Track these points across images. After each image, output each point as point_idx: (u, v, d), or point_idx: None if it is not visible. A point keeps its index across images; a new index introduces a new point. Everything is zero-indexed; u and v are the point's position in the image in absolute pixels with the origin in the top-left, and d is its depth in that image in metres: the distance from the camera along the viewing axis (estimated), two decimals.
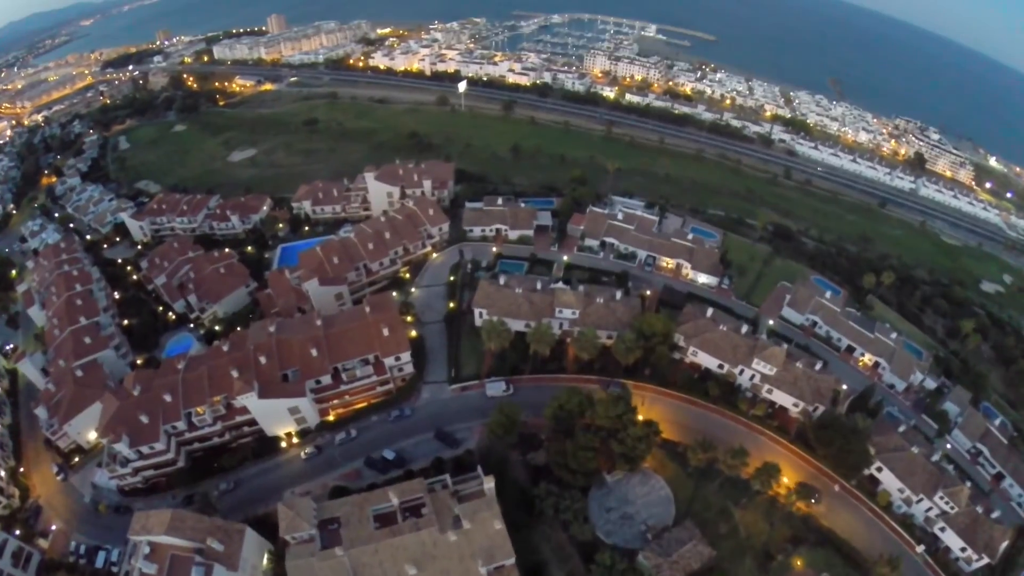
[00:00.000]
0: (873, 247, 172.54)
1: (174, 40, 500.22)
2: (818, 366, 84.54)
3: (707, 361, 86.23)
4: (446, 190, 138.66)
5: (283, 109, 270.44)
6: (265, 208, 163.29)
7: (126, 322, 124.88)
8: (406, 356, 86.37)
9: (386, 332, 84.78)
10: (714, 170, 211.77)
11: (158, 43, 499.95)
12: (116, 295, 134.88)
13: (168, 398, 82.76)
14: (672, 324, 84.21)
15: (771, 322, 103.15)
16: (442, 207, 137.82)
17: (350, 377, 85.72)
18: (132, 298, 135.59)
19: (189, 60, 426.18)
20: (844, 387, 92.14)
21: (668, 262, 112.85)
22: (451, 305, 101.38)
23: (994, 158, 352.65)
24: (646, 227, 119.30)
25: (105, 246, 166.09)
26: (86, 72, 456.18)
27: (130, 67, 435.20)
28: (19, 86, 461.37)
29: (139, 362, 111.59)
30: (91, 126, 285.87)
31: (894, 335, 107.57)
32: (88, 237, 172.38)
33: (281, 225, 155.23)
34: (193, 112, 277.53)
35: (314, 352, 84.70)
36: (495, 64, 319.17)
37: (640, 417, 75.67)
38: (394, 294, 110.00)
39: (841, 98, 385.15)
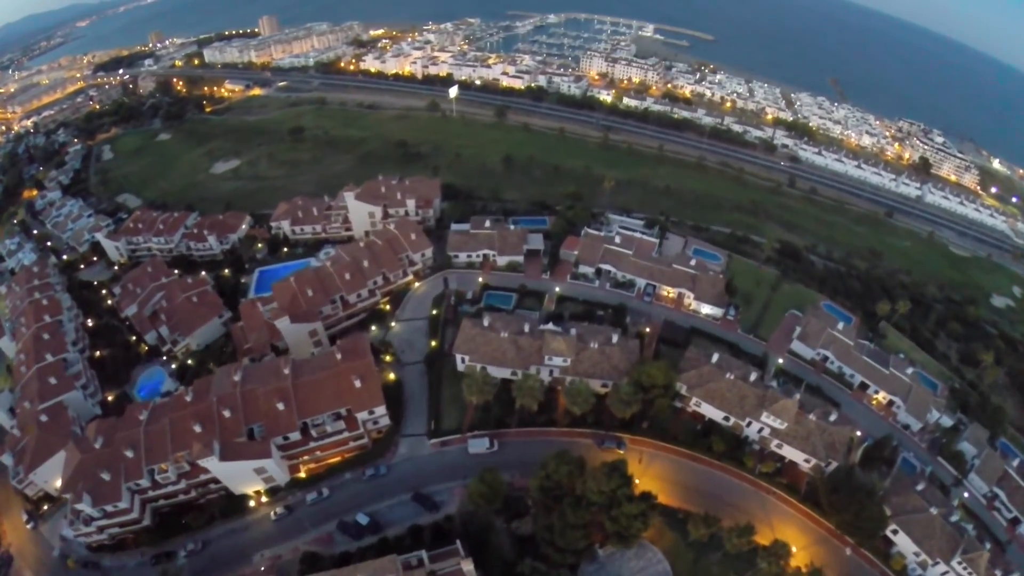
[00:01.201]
0: (882, 263, 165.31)
1: (166, 43, 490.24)
2: (832, 417, 77.26)
3: (712, 412, 78.90)
4: (431, 209, 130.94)
5: (269, 116, 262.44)
6: (244, 227, 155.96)
7: (98, 353, 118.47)
8: (381, 410, 79.08)
9: (358, 384, 77.44)
10: (716, 180, 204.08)
11: (150, 46, 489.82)
12: (89, 322, 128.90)
13: (130, 454, 76.87)
14: (674, 375, 76.77)
15: (780, 360, 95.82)
16: (427, 227, 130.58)
17: (320, 433, 78.54)
18: (105, 326, 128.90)
19: (180, 63, 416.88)
20: (858, 433, 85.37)
21: (669, 291, 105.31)
22: (433, 344, 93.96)
23: (997, 160, 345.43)
24: (645, 251, 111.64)
25: (82, 266, 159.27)
26: (77, 76, 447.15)
27: (120, 71, 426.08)
28: (11, 89, 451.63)
29: (109, 398, 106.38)
30: (75, 135, 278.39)
31: (910, 370, 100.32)
32: (65, 257, 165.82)
33: (260, 245, 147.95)
34: (178, 120, 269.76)
35: (281, 406, 77.44)
36: (488, 67, 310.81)
37: (636, 479, 68.70)
38: (373, 328, 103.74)
39: (842, 99, 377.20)
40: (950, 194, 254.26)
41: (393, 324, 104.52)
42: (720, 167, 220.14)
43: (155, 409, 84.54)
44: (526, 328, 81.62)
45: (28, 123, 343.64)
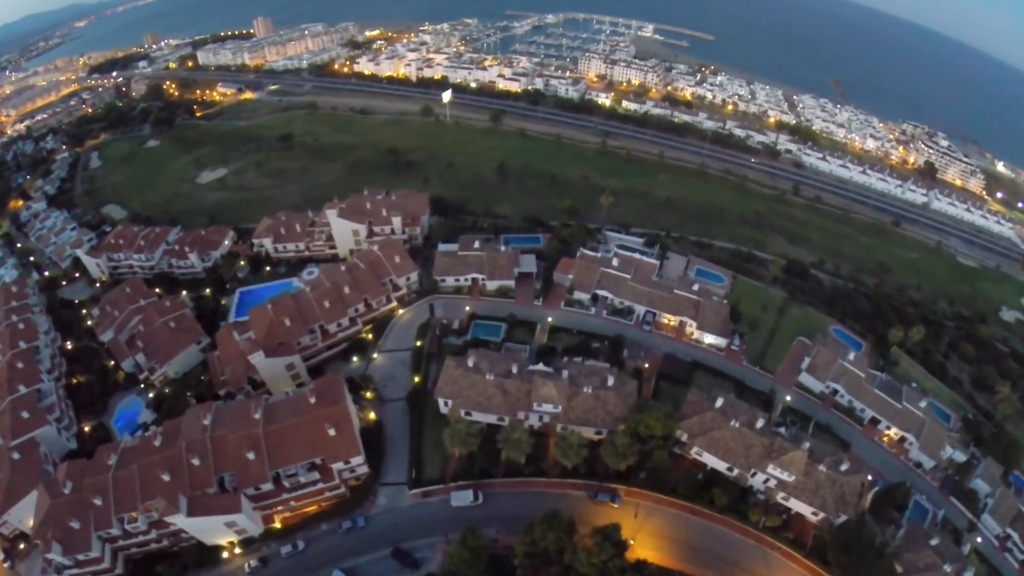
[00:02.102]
0: (891, 277, 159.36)
1: (161, 44, 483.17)
2: (844, 466, 71.68)
3: (715, 462, 73.28)
4: (419, 227, 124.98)
5: (259, 121, 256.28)
6: (227, 243, 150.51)
7: (76, 380, 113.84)
8: (358, 459, 73.66)
9: (332, 432, 71.99)
10: (718, 188, 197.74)
11: (145, 47, 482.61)
12: (68, 344, 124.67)
13: (99, 501, 72.67)
14: (674, 424, 71.12)
15: (788, 397, 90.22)
16: (414, 245, 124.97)
17: (293, 484, 73.23)
18: (84, 350, 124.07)
19: (174, 65, 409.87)
20: (869, 478, 79.98)
21: (670, 319, 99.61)
22: (416, 379, 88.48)
23: (1001, 163, 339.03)
24: (645, 274, 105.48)
25: (64, 283, 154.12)
26: (72, 78, 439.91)
27: (114, 73, 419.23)
28: (7, 92, 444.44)
29: (86, 429, 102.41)
30: (64, 141, 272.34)
31: (923, 403, 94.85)
32: (47, 273, 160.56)
33: (243, 263, 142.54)
34: (168, 125, 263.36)
35: (251, 456, 72.10)
36: (484, 69, 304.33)
37: (631, 540, 63.33)
38: (355, 359, 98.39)
39: (845, 101, 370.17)
40: (956, 200, 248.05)
41: (375, 356, 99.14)
42: (722, 174, 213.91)
43: (124, 452, 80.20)
44: (514, 369, 75.85)
45: (21, 127, 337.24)
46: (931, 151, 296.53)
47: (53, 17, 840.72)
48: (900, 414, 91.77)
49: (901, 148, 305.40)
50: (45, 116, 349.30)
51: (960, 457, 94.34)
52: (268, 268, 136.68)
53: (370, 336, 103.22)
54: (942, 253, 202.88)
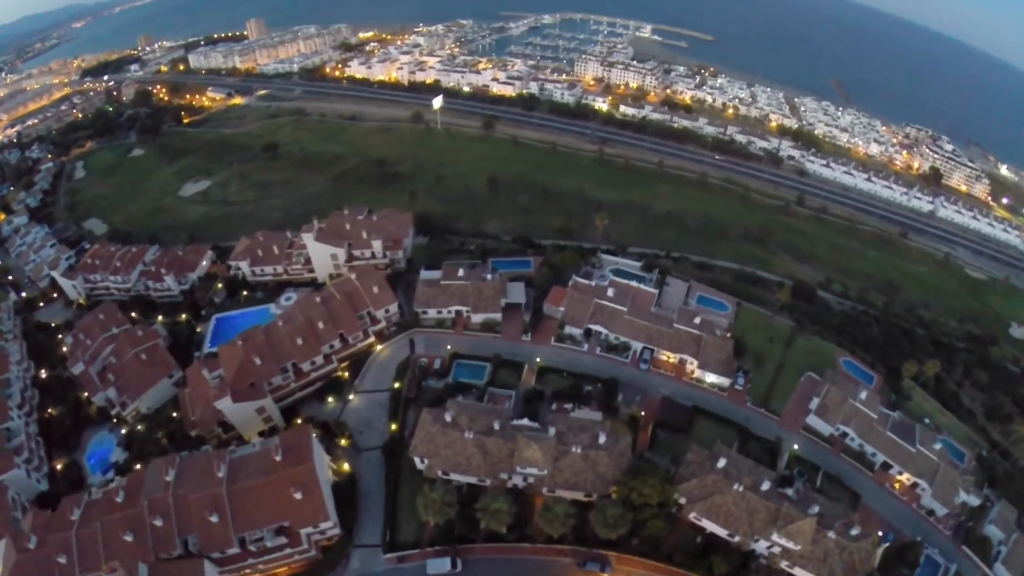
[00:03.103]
0: (900, 295, 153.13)
1: (155, 46, 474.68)
2: (855, 531, 65.82)
3: (715, 528, 67.31)
4: (401, 250, 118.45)
5: (246, 129, 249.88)
6: (204, 263, 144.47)
7: (48, 413, 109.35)
8: (328, 523, 67.84)
9: (299, 496, 66.18)
10: (720, 200, 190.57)
11: (138, 50, 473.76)
12: (43, 372, 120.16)
13: (63, 560, 67.55)
14: (671, 489, 65.19)
15: (795, 446, 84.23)
16: (396, 269, 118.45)
17: (260, 549, 67.46)
18: (57, 379, 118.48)
19: (165, 69, 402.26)
20: (879, 533, 74.21)
21: (669, 356, 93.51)
22: (393, 427, 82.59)
23: (1005, 166, 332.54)
24: (643, 305, 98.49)
25: (41, 304, 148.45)
26: (65, 81, 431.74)
27: (105, 77, 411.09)
28: (1, 95, 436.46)
29: (58, 467, 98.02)
30: (50, 150, 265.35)
31: (937, 445, 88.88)
32: (24, 294, 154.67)
33: (220, 286, 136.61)
34: (154, 133, 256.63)
35: (215, 519, 66.37)
36: (478, 72, 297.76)
37: None
38: (330, 400, 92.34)
39: (847, 103, 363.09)
40: (962, 207, 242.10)
41: (352, 396, 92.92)
42: (724, 183, 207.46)
43: (88, 507, 74.91)
44: (496, 425, 69.70)
45: (12, 132, 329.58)
46: (935, 155, 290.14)
47: (50, 18, 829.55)
48: (913, 458, 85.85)
49: (905, 153, 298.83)
50: (36, 121, 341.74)
51: (974, 501, 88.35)
52: (245, 293, 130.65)
53: (346, 375, 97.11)
54: (950, 265, 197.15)
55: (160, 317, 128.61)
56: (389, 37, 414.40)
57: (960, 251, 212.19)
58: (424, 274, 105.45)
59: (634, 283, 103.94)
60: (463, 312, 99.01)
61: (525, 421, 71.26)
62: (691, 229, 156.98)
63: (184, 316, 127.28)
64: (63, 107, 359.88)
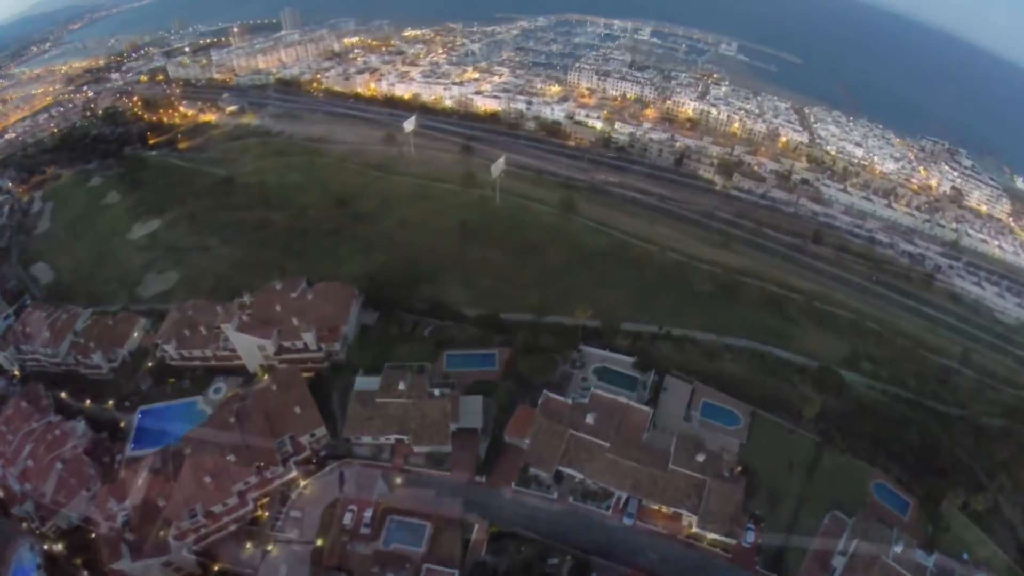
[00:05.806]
0: (932, 362, 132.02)
1: (142, 51, 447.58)
2: None
3: None
4: (337, 342, 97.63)
5: (208, 154, 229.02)
6: (136, 335, 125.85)
7: None
8: None
9: None
10: (729, 247, 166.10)
11: (123, 55, 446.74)
12: None
13: None
14: None
15: None
16: (334, 361, 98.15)
17: None
18: None
19: (145, 79, 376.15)
20: None
21: (662, 507, 72.88)
22: None
23: (1021, 179, 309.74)
24: (632, 433, 77.63)
25: None
26: (49, 90, 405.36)
27: (85, 87, 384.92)
28: None
29: None
30: (13, 177, 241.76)
31: None
32: None
33: (150, 364, 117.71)
34: (116, 158, 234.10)
35: None
36: (461, 84, 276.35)
37: None
38: (248, 546, 73.21)
39: (856, 111, 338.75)
40: (988, 235, 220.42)
41: (270, 547, 73.71)
42: (734, 217, 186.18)
43: None
44: None
45: None
46: (955, 172, 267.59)
47: (49, 19, 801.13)
48: None
49: (922, 169, 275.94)
50: (13, 135, 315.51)
51: None
52: (172, 380, 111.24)
53: (265, 514, 77.80)
54: (980, 312, 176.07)
55: (88, 401, 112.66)
56: (375, 44, 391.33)
57: (989, 292, 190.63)
58: (359, 383, 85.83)
59: (623, 397, 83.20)
60: (404, 440, 78.62)
61: None
62: (695, 294, 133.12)
63: (111, 403, 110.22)
64: (41, 119, 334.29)
